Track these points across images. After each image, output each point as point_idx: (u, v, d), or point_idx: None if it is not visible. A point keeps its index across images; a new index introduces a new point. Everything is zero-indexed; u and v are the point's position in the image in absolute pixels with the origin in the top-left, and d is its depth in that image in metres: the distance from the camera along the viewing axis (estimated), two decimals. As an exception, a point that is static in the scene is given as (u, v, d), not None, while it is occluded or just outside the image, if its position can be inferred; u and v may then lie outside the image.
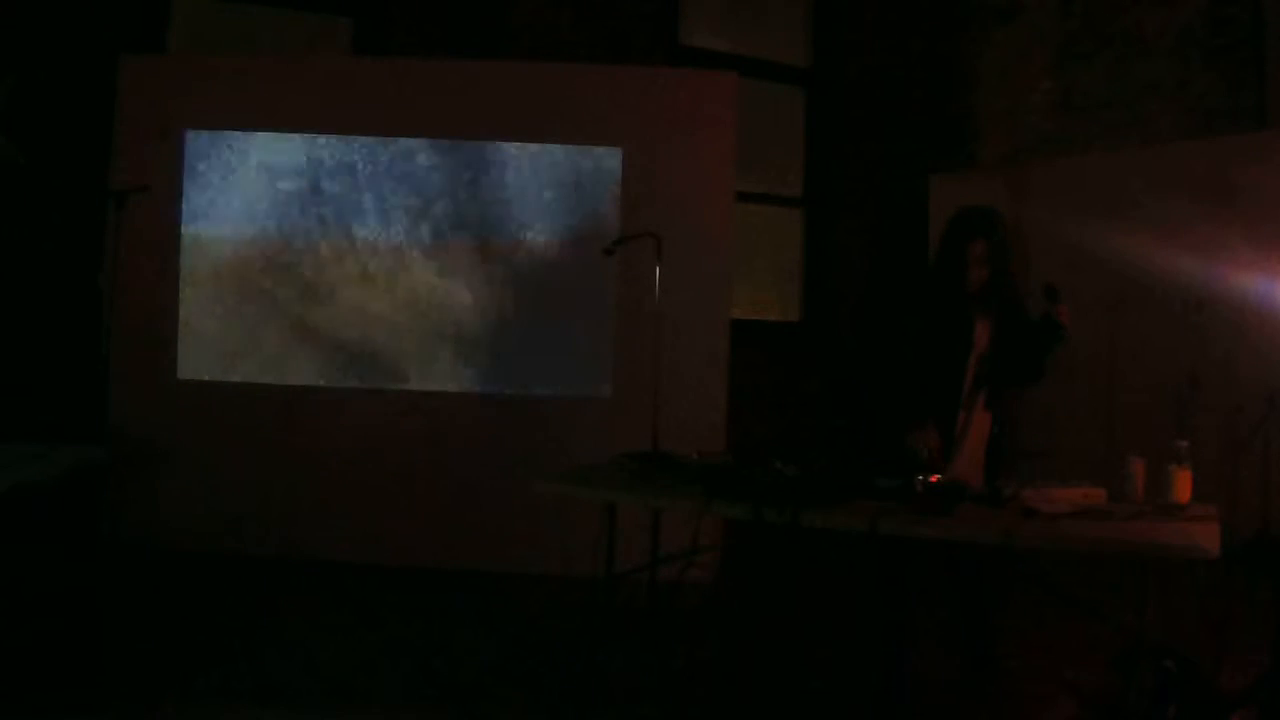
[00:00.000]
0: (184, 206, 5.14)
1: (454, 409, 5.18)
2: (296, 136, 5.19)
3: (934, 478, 2.88)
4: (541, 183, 5.23)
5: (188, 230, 5.15)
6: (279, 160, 5.19)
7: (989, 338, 3.48)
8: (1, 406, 4.50)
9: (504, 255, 5.22)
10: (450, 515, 5.08)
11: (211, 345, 5.19)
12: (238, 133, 5.17)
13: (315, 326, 5.21)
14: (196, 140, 5.16)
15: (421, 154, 5.22)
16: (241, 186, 5.18)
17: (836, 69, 6.99)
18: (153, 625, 4.03)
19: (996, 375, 3.48)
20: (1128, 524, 2.82)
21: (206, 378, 5.17)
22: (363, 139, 5.19)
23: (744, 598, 4.78)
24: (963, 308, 3.47)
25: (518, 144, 5.21)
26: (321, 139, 5.19)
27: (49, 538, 4.29)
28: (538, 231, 5.22)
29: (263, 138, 5.18)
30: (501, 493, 4.98)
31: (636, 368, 4.69)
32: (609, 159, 5.22)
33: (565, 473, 3.51)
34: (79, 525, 4.36)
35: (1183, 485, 2.98)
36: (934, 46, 7.20)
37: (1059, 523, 2.81)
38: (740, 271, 5.90)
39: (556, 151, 5.22)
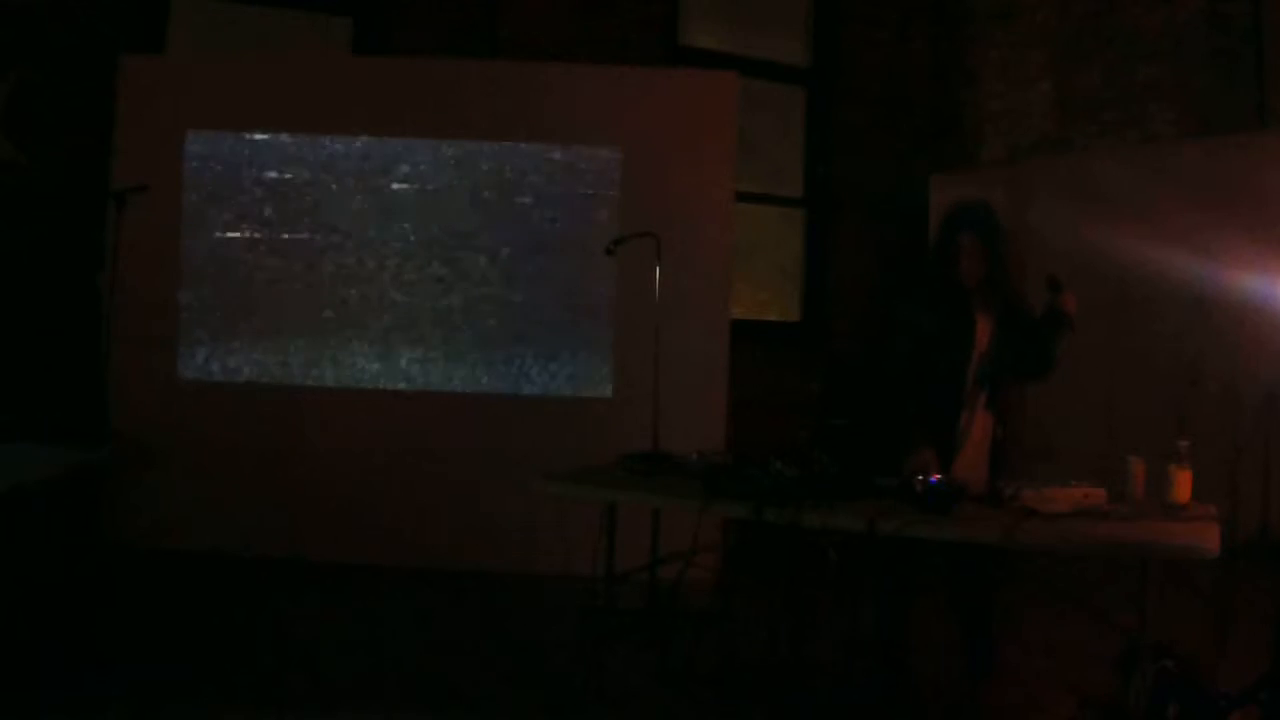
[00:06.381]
0: (184, 206, 5.14)
1: (454, 409, 5.17)
2: (296, 136, 5.19)
3: (934, 477, 2.88)
4: (541, 183, 5.23)
5: (187, 230, 5.16)
6: (278, 160, 5.19)
7: (990, 336, 3.47)
8: (1, 406, 4.50)
9: (504, 255, 5.22)
10: (450, 515, 5.08)
11: (211, 345, 5.19)
12: (238, 133, 5.17)
13: (315, 326, 5.20)
14: (196, 140, 5.16)
15: (421, 154, 5.22)
16: (241, 186, 5.18)
17: (836, 69, 6.99)
18: (153, 625, 4.03)
19: (1000, 374, 3.47)
20: (1128, 524, 2.82)
21: (206, 378, 5.17)
22: (362, 138, 5.19)
23: (744, 597, 4.77)
24: (964, 305, 3.45)
25: (518, 144, 5.21)
26: (321, 139, 5.19)
27: (49, 538, 4.29)
28: (538, 231, 5.22)
29: (262, 137, 5.18)
30: (501, 493, 4.98)
31: (636, 368, 4.69)
32: (609, 159, 5.22)
33: (565, 473, 3.50)
34: (79, 525, 4.37)
35: (1183, 485, 2.98)
36: (934, 46, 7.20)
37: (1059, 523, 2.81)
38: (740, 271, 5.90)
39: (556, 151, 5.22)
